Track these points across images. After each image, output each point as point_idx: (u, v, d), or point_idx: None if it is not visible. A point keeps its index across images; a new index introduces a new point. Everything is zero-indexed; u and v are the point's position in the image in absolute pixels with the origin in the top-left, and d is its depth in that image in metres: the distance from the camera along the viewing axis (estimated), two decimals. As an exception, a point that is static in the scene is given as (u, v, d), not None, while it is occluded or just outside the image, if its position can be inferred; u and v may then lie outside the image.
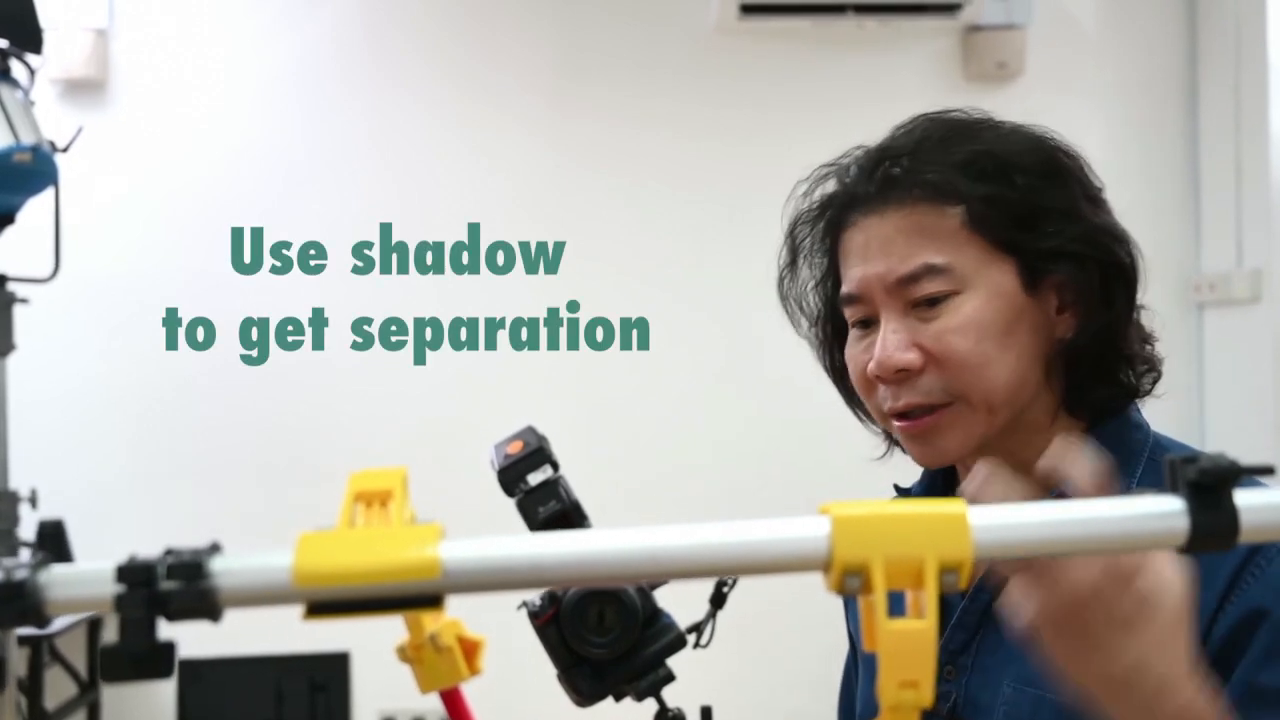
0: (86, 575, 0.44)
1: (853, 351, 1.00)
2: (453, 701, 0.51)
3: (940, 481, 1.07)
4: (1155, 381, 0.99)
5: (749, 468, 3.27)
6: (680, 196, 3.31)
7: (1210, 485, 0.46)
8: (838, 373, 1.07)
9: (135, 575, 0.42)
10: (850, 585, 0.44)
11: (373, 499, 0.48)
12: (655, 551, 0.44)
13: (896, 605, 0.44)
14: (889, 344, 0.94)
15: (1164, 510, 0.47)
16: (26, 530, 2.70)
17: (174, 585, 0.42)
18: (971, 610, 0.96)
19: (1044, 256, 0.93)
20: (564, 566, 0.44)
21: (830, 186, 1.02)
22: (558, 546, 0.45)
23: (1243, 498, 0.46)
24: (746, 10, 3.22)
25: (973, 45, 3.32)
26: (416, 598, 0.43)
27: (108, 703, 3.08)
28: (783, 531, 0.45)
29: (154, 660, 0.42)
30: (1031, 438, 0.95)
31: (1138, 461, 0.95)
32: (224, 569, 0.44)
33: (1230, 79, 3.27)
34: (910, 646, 0.42)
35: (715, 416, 3.29)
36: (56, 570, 0.44)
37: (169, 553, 0.43)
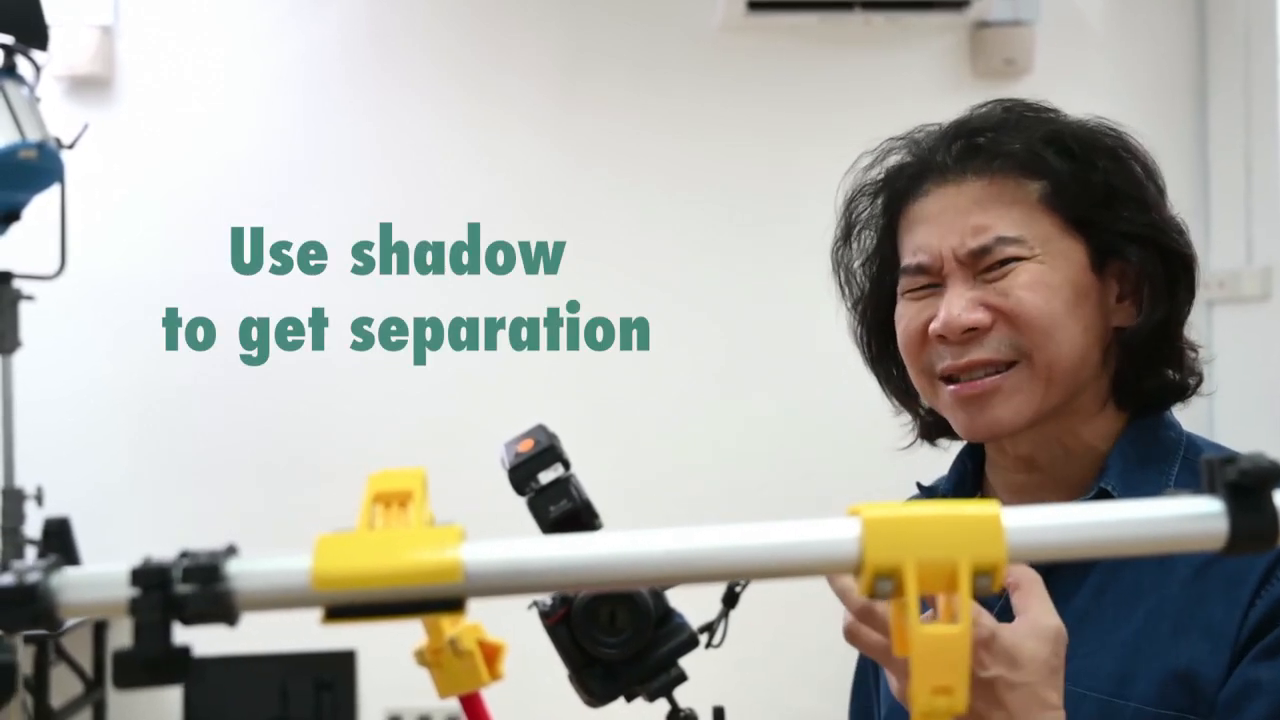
0: (100, 578, 0.43)
1: (908, 311, 0.98)
2: (472, 707, 0.50)
3: (970, 481, 1.05)
4: (1198, 384, 1.00)
5: (750, 468, 3.26)
6: (683, 196, 3.30)
7: (1250, 487, 0.45)
8: (872, 355, 1.07)
9: (150, 578, 0.41)
10: (882, 589, 0.43)
11: (392, 500, 0.47)
12: (683, 554, 0.43)
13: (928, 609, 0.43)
14: (956, 305, 0.93)
15: (1203, 512, 0.46)
16: (32, 528, 2.69)
17: (190, 589, 0.41)
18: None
19: (1115, 239, 0.94)
20: (589, 569, 0.43)
21: (894, 160, 1.01)
22: (583, 549, 0.44)
23: (1284, 500, 0.46)
24: (753, 7, 3.20)
25: (980, 42, 3.31)
26: (438, 601, 0.42)
27: (113, 701, 3.07)
28: (812, 534, 0.44)
29: (169, 665, 0.41)
30: (1079, 424, 0.96)
31: (1173, 459, 0.95)
32: (241, 571, 0.43)
33: (1240, 76, 3.26)
34: (944, 651, 0.42)
35: (715, 417, 3.28)
36: (69, 573, 0.43)
37: (184, 555, 0.42)
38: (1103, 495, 0.92)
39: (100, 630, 3.00)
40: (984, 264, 0.93)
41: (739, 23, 3.25)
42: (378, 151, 3.26)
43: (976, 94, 1.06)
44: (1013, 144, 0.94)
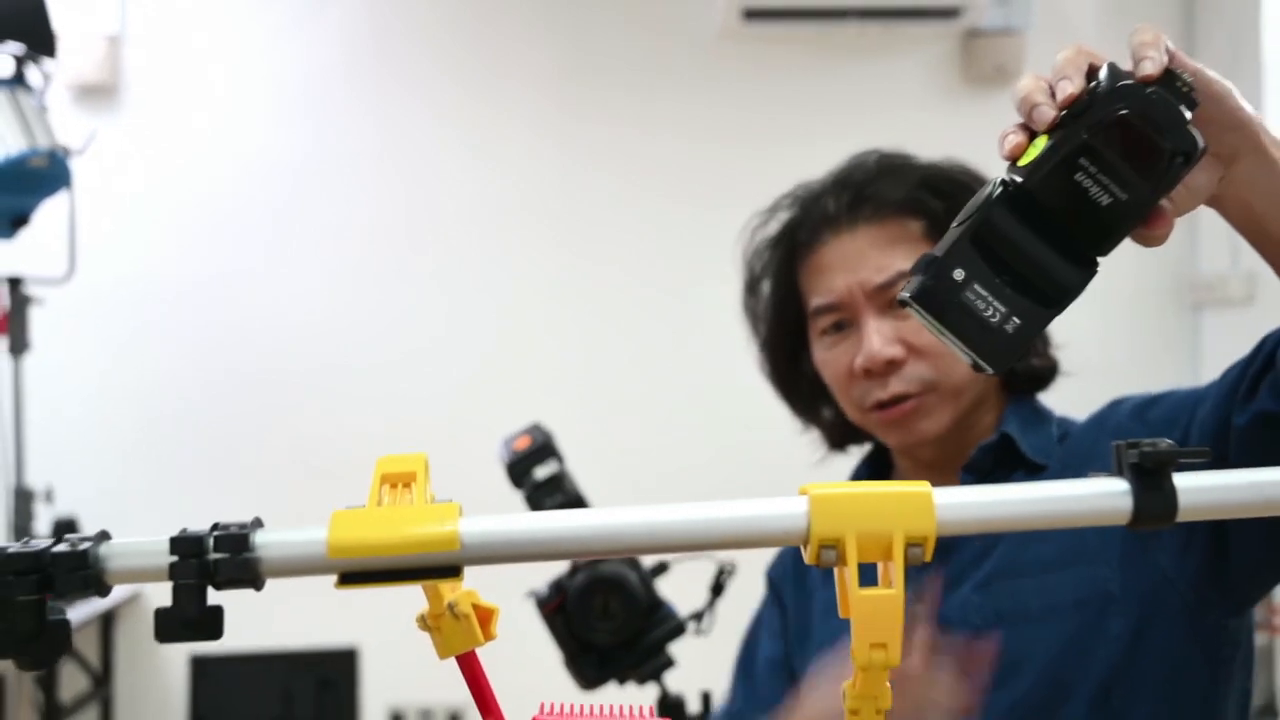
0: (143, 547, 0.49)
1: (830, 354, 1.12)
2: (469, 666, 0.57)
3: (880, 475, 1.20)
4: (1055, 368, 1.15)
5: (751, 469, 3.30)
6: (683, 199, 3.35)
7: (1151, 469, 0.51)
8: (780, 380, 1.25)
9: (187, 547, 0.48)
10: (826, 558, 0.49)
11: (397, 481, 0.54)
12: (653, 526, 0.49)
13: (868, 575, 0.49)
14: (875, 341, 1.07)
15: (1110, 491, 0.52)
16: (42, 527, 2.75)
17: (222, 556, 0.48)
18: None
19: None
20: (570, 539, 0.50)
21: (786, 216, 1.18)
22: (565, 521, 0.50)
23: (1181, 480, 0.52)
24: (749, 16, 3.26)
25: (972, 50, 3.36)
26: (438, 568, 0.48)
27: (120, 697, 3.13)
28: (766, 509, 0.51)
29: (204, 623, 0.47)
30: (981, 412, 1.11)
31: (1051, 421, 1.11)
32: (266, 542, 0.49)
33: (1225, 84, 3.31)
34: (880, 612, 0.48)
35: (717, 418, 3.33)
36: (115, 543, 0.49)
37: (216, 526, 0.49)
38: (1005, 439, 1.07)
39: (107, 628, 3.06)
40: (890, 296, 1.07)
41: (736, 31, 3.31)
42: (385, 154, 3.32)
43: (968, 101, 1.17)
44: (894, 191, 1.10)
